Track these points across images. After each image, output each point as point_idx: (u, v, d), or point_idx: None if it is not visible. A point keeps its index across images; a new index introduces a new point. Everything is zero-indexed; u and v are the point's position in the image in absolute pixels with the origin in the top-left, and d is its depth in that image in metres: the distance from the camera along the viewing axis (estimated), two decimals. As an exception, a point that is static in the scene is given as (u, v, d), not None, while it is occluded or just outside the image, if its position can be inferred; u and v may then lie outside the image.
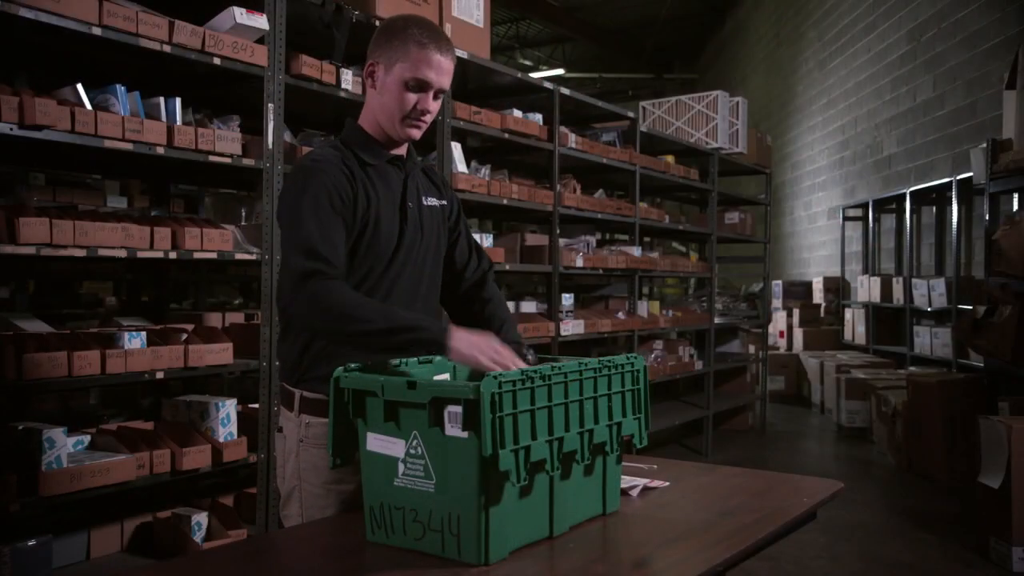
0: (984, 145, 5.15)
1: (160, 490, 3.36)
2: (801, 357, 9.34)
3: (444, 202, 2.11)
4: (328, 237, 1.79)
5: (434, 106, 1.92)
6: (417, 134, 1.95)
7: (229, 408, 3.08)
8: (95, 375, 2.65)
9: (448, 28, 3.91)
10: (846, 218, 9.63)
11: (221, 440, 3.02)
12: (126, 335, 2.84)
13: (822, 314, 9.81)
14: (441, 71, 1.90)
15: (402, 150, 2.01)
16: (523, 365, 1.71)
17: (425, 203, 2.04)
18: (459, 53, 3.98)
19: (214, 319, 3.57)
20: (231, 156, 3.01)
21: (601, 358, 1.75)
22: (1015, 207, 6.02)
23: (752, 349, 7.95)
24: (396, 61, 1.87)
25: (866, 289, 8.43)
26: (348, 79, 3.40)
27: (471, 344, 1.73)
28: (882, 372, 7.40)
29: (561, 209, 4.87)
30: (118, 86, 2.77)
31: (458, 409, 1.49)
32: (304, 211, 1.80)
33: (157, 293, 4.09)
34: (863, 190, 9.37)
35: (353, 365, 1.68)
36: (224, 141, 2.98)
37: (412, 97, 1.88)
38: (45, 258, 2.57)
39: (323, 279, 1.75)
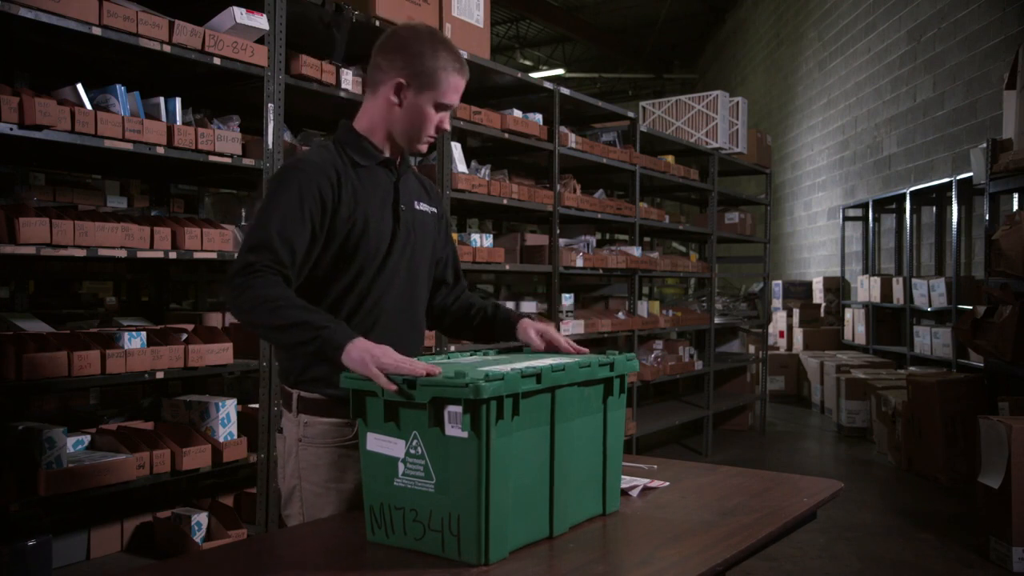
0: (984, 145, 5.15)
1: (160, 490, 3.36)
2: (801, 357, 9.34)
3: (435, 209, 2.12)
4: (284, 237, 1.78)
5: (448, 123, 2.02)
6: (425, 149, 2.02)
7: (229, 408, 3.08)
8: (95, 375, 2.65)
9: (448, 28, 3.91)
10: (846, 218, 9.63)
11: (221, 440, 3.02)
12: (126, 335, 2.84)
13: (822, 314, 9.81)
14: (461, 93, 2.00)
15: (395, 154, 2.02)
16: (418, 369, 1.58)
17: (417, 207, 2.05)
18: (459, 53, 3.97)
19: (214, 319, 3.57)
20: (231, 156, 3.01)
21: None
22: (1015, 207, 6.02)
23: (752, 349, 7.95)
24: (427, 87, 1.92)
25: (866, 289, 8.43)
26: (348, 79, 3.40)
27: (363, 352, 1.62)
28: (882, 372, 7.40)
29: (561, 209, 4.87)
30: (118, 86, 2.77)
31: (458, 409, 1.49)
32: (271, 211, 1.80)
33: (157, 293, 4.09)
34: (863, 190, 9.37)
35: None
36: (224, 141, 2.98)
37: (436, 117, 1.96)
38: (45, 258, 2.57)
39: (255, 272, 1.72)
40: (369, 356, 1.61)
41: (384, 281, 1.94)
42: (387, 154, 1.99)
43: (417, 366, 1.59)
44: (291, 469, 1.93)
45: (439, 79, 1.91)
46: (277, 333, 1.70)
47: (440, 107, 1.95)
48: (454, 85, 1.94)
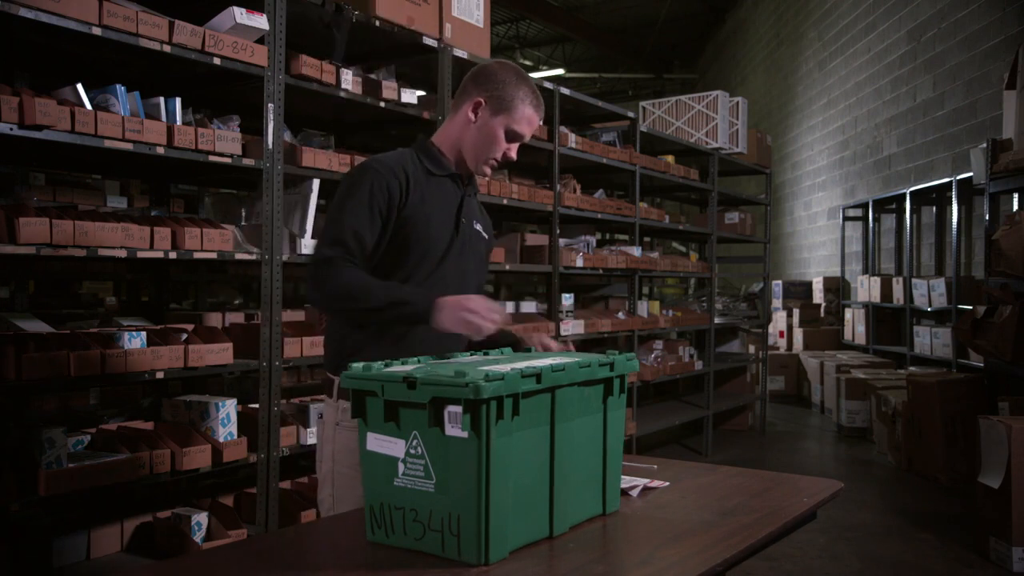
0: (984, 145, 5.15)
1: (160, 490, 3.36)
2: (801, 357, 9.33)
3: (487, 236, 2.24)
4: (356, 232, 1.96)
5: (515, 154, 2.16)
6: (490, 173, 2.17)
7: (229, 408, 3.08)
8: (95, 375, 2.65)
9: (448, 28, 3.92)
10: (846, 218, 9.63)
11: (221, 440, 3.02)
12: (126, 335, 2.84)
13: (822, 314, 9.81)
14: (533, 128, 2.16)
15: (461, 171, 2.15)
16: (499, 317, 1.84)
17: (475, 226, 2.17)
18: (459, 53, 3.98)
19: (214, 319, 3.57)
20: (231, 156, 3.01)
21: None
22: (1015, 207, 6.02)
23: (752, 349, 7.95)
24: (502, 110, 2.07)
25: (866, 289, 8.43)
26: (348, 79, 3.40)
27: (452, 311, 1.84)
28: (882, 372, 7.40)
29: (561, 209, 4.87)
30: (118, 86, 2.77)
31: (458, 409, 1.49)
32: (345, 206, 1.97)
33: (157, 293, 4.09)
34: (863, 190, 9.37)
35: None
36: (224, 141, 2.98)
37: (505, 144, 2.11)
38: (45, 258, 2.57)
39: (334, 265, 1.92)
40: (460, 313, 1.83)
41: (431, 284, 2.04)
42: (455, 170, 2.13)
43: (491, 317, 1.83)
44: (327, 453, 2.05)
45: (514, 106, 2.07)
46: (373, 313, 1.92)
47: (511, 134, 2.09)
48: (527, 117, 2.09)
